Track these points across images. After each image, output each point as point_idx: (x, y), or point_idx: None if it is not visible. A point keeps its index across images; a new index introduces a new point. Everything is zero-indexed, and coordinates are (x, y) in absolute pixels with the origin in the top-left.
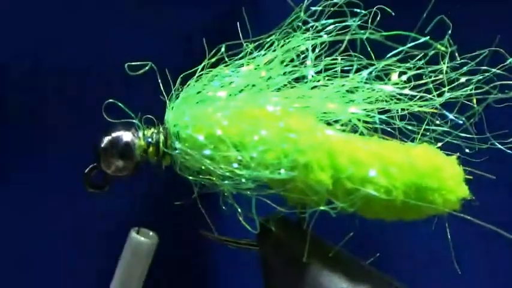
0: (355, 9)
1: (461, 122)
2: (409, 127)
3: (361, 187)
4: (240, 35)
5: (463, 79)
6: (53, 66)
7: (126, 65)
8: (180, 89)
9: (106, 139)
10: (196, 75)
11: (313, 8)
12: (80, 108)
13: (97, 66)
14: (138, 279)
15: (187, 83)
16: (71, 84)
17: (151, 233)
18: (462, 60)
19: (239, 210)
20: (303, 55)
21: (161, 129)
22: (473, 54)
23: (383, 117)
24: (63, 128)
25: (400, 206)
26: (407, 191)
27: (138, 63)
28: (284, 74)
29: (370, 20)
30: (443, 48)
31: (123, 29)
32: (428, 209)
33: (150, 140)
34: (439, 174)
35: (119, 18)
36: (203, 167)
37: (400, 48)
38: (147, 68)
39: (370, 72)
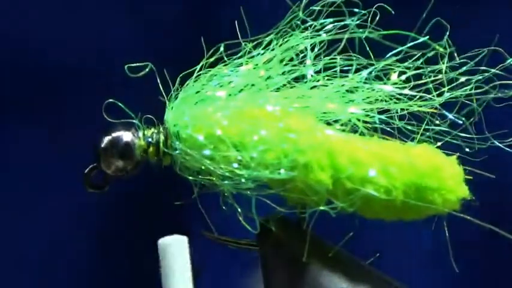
0: (354, 9)
1: (460, 122)
2: (409, 127)
3: (361, 187)
4: (239, 34)
5: (462, 79)
6: (52, 66)
7: (125, 66)
8: (180, 89)
9: (106, 139)
10: (195, 74)
11: (312, 8)
12: (80, 108)
13: (97, 66)
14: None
15: (186, 83)
16: (70, 83)
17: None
18: (462, 60)
19: (239, 210)
20: (302, 54)
21: (161, 129)
22: (473, 53)
23: (382, 117)
24: (63, 128)
25: (400, 206)
26: (407, 191)
27: (138, 64)
28: (283, 73)
29: (369, 19)
30: (441, 50)
31: (123, 29)
32: (428, 209)
33: (150, 140)
34: (439, 174)
35: (118, 17)
36: (203, 167)
37: (400, 48)
38: (147, 69)
39: (370, 72)
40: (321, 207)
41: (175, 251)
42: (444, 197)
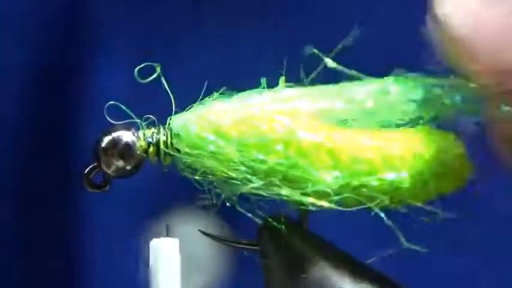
0: None
1: None
2: None
3: (367, 183)
4: None
5: None
6: (52, 66)
7: (136, 69)
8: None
9: (106, 139)
10: None
11: None
12: (81, 108)
13: (97, 66)
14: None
15: None
16: (70, 83)
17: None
18: None
19: (240, 210)
20: None
21: (162, 129)
22: None
23: None
24: (63, 127)
25: (406, 195)
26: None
27: (146, 63)
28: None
29: None
30: None
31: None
32: (435, 193)
33: (150, 140)
34: (441, 157)
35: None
36: (203, 168)
37: None
38: (155, 75)
39: None
40: (325, 206)
41: (166, 253)
42: (451, 178)
